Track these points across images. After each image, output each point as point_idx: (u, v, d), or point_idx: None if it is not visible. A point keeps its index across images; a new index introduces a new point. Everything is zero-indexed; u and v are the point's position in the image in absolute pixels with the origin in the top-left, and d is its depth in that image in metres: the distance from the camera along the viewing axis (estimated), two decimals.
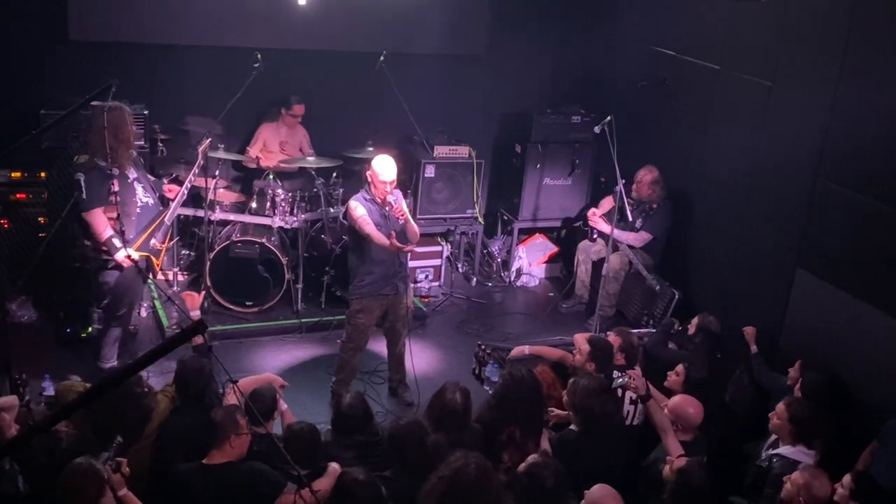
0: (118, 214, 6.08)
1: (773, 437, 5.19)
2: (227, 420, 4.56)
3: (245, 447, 4.60)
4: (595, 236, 8.10)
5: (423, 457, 4.53)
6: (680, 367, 5.74)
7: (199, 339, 5.21)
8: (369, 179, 6.25)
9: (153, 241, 6.38)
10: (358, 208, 6.18)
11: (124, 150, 6.13)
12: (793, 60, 6.57)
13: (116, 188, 6.08)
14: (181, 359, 5.10)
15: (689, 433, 5.14)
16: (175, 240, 7.84)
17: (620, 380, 5.46)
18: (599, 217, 7.93)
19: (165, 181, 7.11)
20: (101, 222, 6.07)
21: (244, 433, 4.56)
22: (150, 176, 6.72)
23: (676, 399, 5.29)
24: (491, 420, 5.14)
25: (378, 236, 6.11)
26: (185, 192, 6.87)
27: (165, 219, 6.52)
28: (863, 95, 5.92)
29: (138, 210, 6.29)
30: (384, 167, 6.18)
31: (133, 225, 6.26)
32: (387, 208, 6.22)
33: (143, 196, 6.33)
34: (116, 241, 6.09)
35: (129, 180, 6.24)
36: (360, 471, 4.37)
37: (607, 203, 8.02)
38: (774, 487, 4.84)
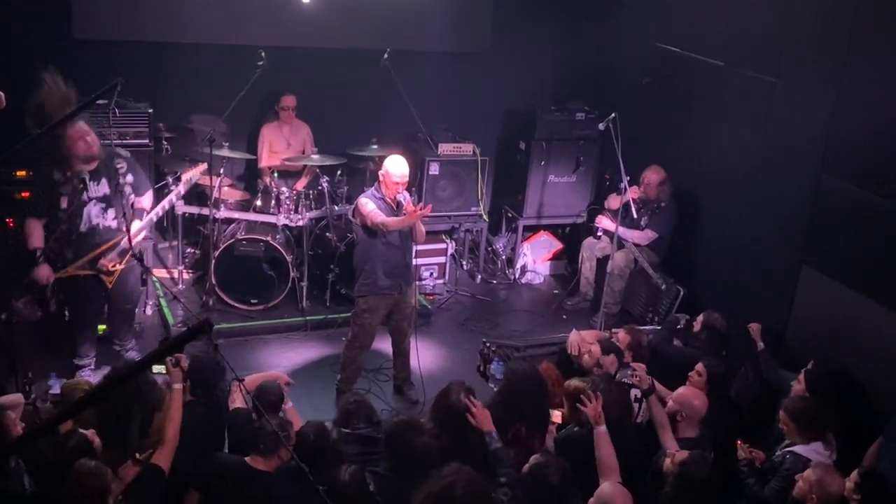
0: (59, 232, 6.05)
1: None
2: (279, 433, 4.51)
3: (286, 460, 4.59)
4: (600, 234, 8.09)
5: (410, 458, 4.53)
6: (701, 367, 5.67)
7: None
8: (381, 178, 6.27)
9: (103, 260, 6.23)
10: (368, 203, 6.21)
11: (76, 164, 6.06)
12: (796, 56, 6.56)
13: (64, 206, 6.05)
14: (194, 354, 5.11)
15: (695, 428, 5.12)
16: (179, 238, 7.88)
17: (627, 371, 5.47)
18: (603, 215, 7.93)
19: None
20: (34, 233, 6.06)
21: (290, 446, 4.54)
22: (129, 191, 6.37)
23: (682, 390, 5.28)
24: (496, 418, 5.13)
25: (393, 220, 6.13)
26: (159, 213, 6.69)
27: (122, 242, 6.27)
28: (866, 91, 5.91)
29: (82, 230, 6.16)
30: (397, 166, 6.20)
31: (72, 245, 6.18)
32: (396, 208, 6.22)
33: (94, 217, 6.16)
34: (39, 254, 6.03)
35: (83, 200, 6.10)
36: (349, 470, 4.41)
37: (614, 200, 7.99)
38: (782, 481, 4.84)
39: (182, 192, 6.77)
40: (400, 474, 4.50)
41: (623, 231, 7.59)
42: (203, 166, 7.00)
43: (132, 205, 6.34)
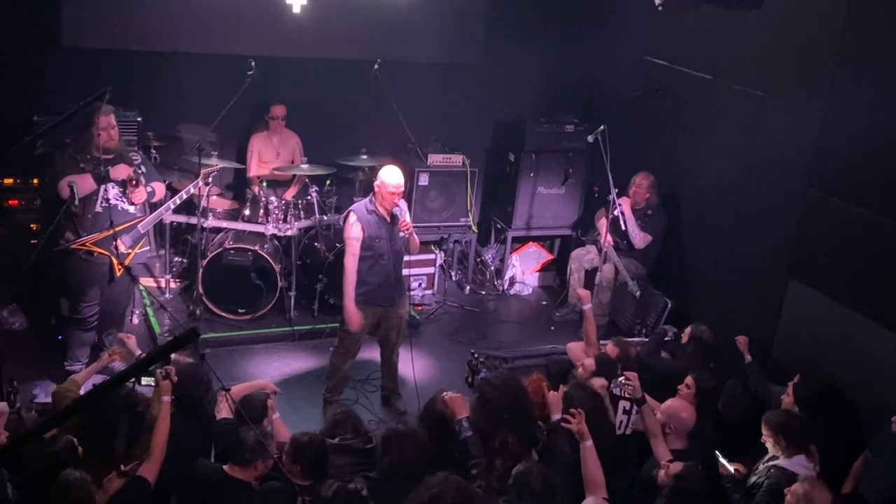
0: (74, 209, 6.12)
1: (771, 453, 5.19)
2: (261, 443, 4.52)
3: (265, 471, 4.59)
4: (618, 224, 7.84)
5: (399, 468, 4.55)
6: (690, 381, 5.66)
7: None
8: (376, 189, 6.21)
9: (118, 242, 6.32)
10: (354, 226, 6.14)
11: (93, 151, 6.21)
12: (785, 71, 6.60)
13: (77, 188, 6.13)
14: (180, 368, 5.08)
15: (683, 440, 5.12)
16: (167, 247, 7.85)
17: (619, 379, 5.48)
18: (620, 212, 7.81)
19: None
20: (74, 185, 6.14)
21: (271, 459, 4.54)
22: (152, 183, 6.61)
23: (670, 402, 5.29)
24: (480, 427, 5.12)
25: (351, 275, 6.12)
26: (177, 201, 6.88)
27: (140, 226, 6.45)
28: (854, 106, 5.95)
29: (98, 209, 6.26)
30: (392, 176, 6.15)
31: (87, 224, 6.25)
32: (390, 221, 6.19)
33: (112, 199, 6.30)
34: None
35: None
36: (333, 487, 4.42)
37: (603, 218, 7.94)
38: (767, 495, 4.84)
39: (188, 193, 6.99)
40: (393, 480, 4.49)
41: (631, 227, 7.63)
42: (216, 168, 7.18)
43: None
